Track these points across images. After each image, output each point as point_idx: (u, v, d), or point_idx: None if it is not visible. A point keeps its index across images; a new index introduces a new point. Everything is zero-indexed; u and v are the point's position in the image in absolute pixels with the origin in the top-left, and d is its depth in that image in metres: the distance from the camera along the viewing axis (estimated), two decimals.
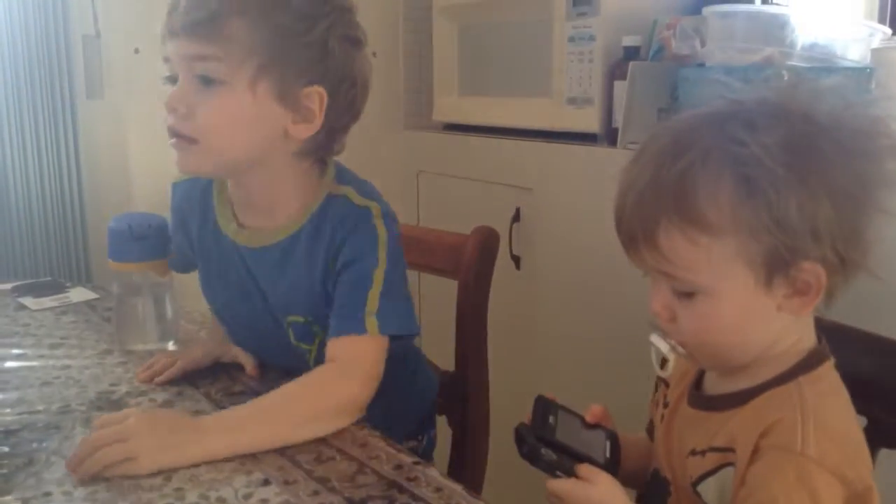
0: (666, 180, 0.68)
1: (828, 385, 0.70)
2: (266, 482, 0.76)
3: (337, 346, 0.91)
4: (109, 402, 0.97)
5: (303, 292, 0.97)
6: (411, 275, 1.08)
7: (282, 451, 0.82)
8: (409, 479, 0.76)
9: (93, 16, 1.77)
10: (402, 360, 1.08)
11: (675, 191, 0.67)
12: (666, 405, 0.83)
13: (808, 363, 0.70)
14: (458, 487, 0.74)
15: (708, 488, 0.71)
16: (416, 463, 0.79)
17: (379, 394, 0.92)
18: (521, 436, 0.79)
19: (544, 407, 0.81)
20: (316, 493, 0.74)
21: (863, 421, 0.83)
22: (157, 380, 1.01)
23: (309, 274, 0.96)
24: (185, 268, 1.13)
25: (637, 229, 0.70)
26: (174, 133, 0.91)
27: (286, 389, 0.87)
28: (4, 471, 0.80)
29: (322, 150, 0.98)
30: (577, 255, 1.70)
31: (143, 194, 1.91)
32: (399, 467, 0.79)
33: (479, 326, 1.30)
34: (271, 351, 1.05)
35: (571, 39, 1.66)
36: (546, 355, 1.81)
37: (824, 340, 0.74)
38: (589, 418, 0.83)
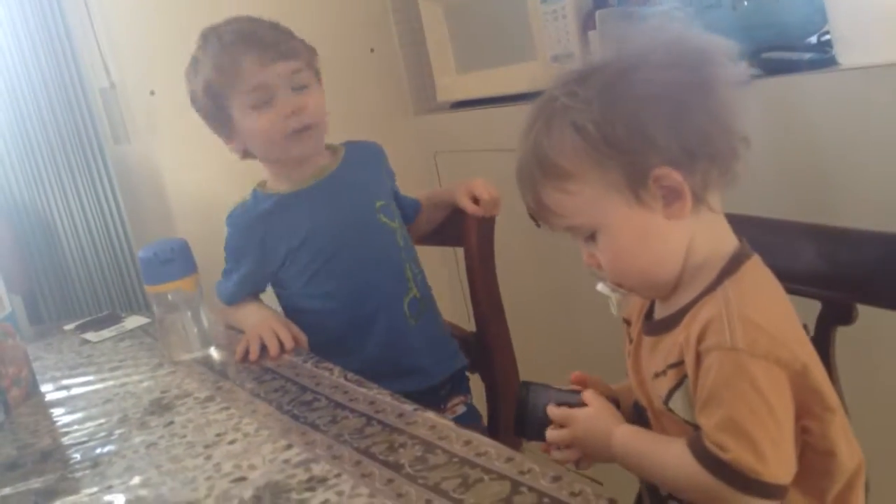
0: (528, 154, 0.79)
1: (750, 281, 0.76)
2: (289, 446, 0.88)
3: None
4: (160, 407, 1.10)
5: (378, 183, 1.37)
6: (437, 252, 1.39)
7: (304, 419, 0.94)
8: (408, 424, 0.86)
9: (104, 68, 1.92)
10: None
11: (536, 158, 0.78)
12: (631, 341, 0.90)
13: (730, 267, 0.77)
14: (449, 423, 0.84)
15: (677, 402, 0.77)
16: (415, 409, 0.90)
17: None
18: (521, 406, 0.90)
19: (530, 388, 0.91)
20: (330, 447, 0.85)
21: (817, 306, 0.89)
22: (287, 353, 1.19)
23: (376, 171, 1.38)
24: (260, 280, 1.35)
25: (530, 200, 0.81)
26: (303, 126, 1.25)
27: None
28: (77, 474, 0.94)
29: None
30: None
31: (184, 219, 2.06)
32: (401, 415, 0.89)
33: (491, 286, 1.40)
34: (364, 239, 1.31)
35: (544, 0, 1.73)
36: (577, 308, 1.88)
37: (744, 240, 0.80)
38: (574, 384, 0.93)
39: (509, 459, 0.74)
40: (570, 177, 0.76)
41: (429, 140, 2.28)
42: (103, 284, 1.89)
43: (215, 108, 1.27)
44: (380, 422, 0.89)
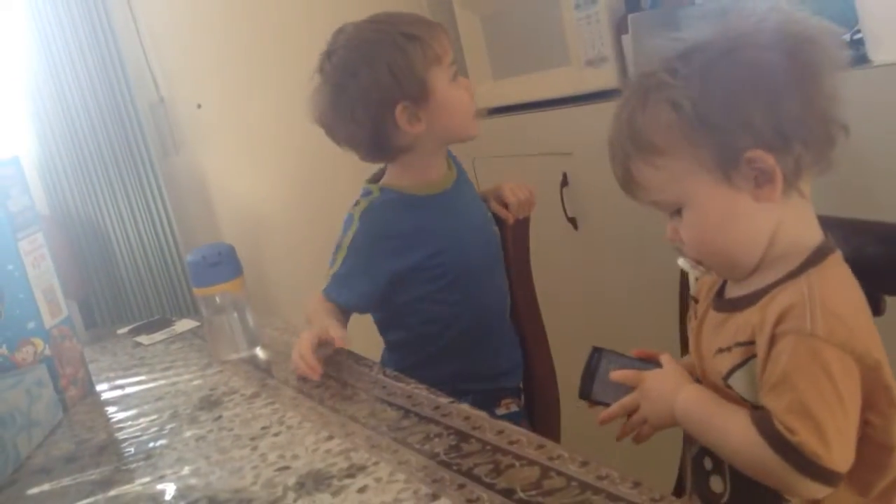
0: (622, 128, 0.81)
1: (833, 274, 0.77)
2: (330, 437, 0.92)
3: None
4: (209, 403, 1.15)
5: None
6: None
7: (344, 412, 0.98)
8: (443, 415, 0.90)
9: (153, 84, 2.00)
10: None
11: (629, 132, 0.80)
12: (696, 318, 0.92)
13: (814, 258, 0.77)
14: (482, 414, 0.88)
15: (738, 380, 0.79)
16: (451, 402, 0.93)
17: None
18: (591, 366, 0.94)
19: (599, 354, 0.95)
20: (369, 438, 0.89)
21: None
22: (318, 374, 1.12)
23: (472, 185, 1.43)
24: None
25: (619, 172, 0.83)
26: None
27: None
28: (131, 466, 0.99)
29: None
30: (626, 205, 1.78)
31: (229, 225, 2.13)
32: (436, 408, 0.93)
33: (527, 287, 1.43)
34: (484, 248, 1.35)
35: (577, 6, 1.76)
36: (613, 306, 1.90)
37: (829, 235, 0.81)
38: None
39: (540, 447, 0.77)
40: (661, 152, 0.78)
41: (467, 146, 2.27)
42: (154, 289, 1.96)
43: (413, 79, 1.20)
44: (416, 414, 0.92)
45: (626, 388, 0.91)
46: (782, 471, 0.71)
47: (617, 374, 0.91)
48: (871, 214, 0.93)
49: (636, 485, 0.66)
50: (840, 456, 0.70)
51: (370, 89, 1.20)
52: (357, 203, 1.30)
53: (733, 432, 0.76)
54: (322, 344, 1.16)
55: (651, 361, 0.93)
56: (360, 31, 1.24)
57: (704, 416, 0.81)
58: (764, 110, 0.74)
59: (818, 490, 0.71)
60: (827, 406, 0.70)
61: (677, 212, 0.81)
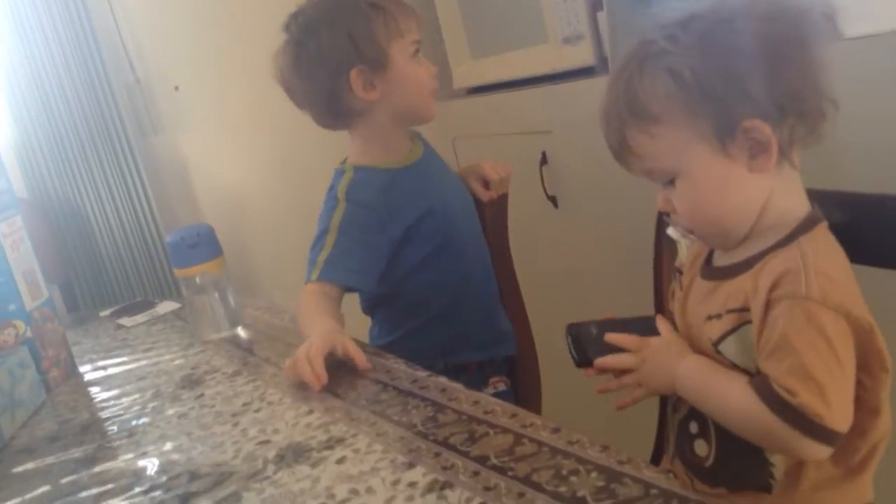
0: (618, 95, 0.81)
1: (824, 241, 0.79)
2: (310, 412, 0.93)
3: None
4: (191, 381, 1.16)
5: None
6: None
7: (325, 387, 0.98)
8: (421, 388, 0.92)
9: (129, 65, 1.99)
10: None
11: (626, 99, 0.80)
12: (681, 288, 0.93)
13: (804, 226, 0.79)
14: (458, 385, 0.90)
15: (729, 346, 0.80)
16: (428, 375, 0.95)
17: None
18: (576, 336, 0.94)
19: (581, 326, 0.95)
20: (348, 411, 0.91)
21: None
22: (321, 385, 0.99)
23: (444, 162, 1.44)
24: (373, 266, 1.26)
25: (613, 140, 0.83)
26: (437, 89, 1.32)
27: None
28: (114, 444, 1.00)
29: None
30: (605, 182, 1.80)
31: (209, 206, 2.14)
32: (414, 381, 0.95)
33: (506, 262, 1.44)
34: (466, 211, 1.39)
35: None
36: (594, 284, 1.92)
37: (816, 206, 0.82)
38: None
39: (513, 415, 0.79)
40: (658, 120, 0.78)
41: (447, 126, 2.32)
42: (135, 271, 1.97)
43: (371, 45, 1.22)
44: (395, 387, 0.94)
45: (620, 350, 0.91)
46: (784, 433, 0.72)
47: (617, 338, 0.91)
48: (837, 186, 0.95)
49: (604, 448, 0.68)
50: (841, 415, 0.72)
51: (329, 48, 1.22)
52: (334, 186, 1.30)
53: (733, 398, 0.77)
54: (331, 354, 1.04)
55: (638, 323, 0.93)
56: None
57: (703, 384, 0.82)
58: (761, 80, 0.75)
59: (820, 450, 0.72)
60: (826, 367, 0.72)
61: (670, 181, 0.81)
